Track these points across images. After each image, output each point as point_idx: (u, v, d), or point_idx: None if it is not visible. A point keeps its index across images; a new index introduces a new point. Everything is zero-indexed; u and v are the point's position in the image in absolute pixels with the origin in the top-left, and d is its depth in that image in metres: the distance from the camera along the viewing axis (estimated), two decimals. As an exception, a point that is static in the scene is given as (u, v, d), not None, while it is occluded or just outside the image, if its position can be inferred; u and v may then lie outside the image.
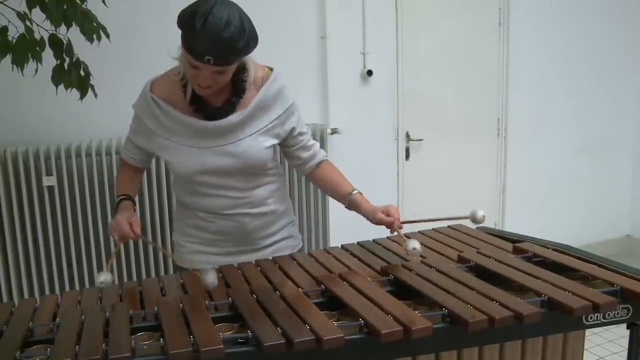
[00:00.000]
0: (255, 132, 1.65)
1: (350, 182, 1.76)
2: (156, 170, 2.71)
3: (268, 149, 1.68)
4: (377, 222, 1.63)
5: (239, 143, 1.63)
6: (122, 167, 1.80)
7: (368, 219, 1.66)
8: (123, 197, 1.69)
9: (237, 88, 1.61)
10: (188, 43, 1.45)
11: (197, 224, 1.75)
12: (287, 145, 1.75)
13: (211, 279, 1.38)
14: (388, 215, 1.61)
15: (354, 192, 1.71)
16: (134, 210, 1.69)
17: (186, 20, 1.44)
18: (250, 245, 1.76)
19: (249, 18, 1.49)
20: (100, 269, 2.64)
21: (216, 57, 1.44)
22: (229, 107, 1.62)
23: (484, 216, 1.43)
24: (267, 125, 1.66)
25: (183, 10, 1.47)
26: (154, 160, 2.35)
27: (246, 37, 1.46)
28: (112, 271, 1.50)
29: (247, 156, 1.64)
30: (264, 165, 1.70)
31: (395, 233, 1.62)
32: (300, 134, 1.74)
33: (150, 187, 2.70)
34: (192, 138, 1.63)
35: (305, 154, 1.76)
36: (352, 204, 1.71)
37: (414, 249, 1.48)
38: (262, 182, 1.73)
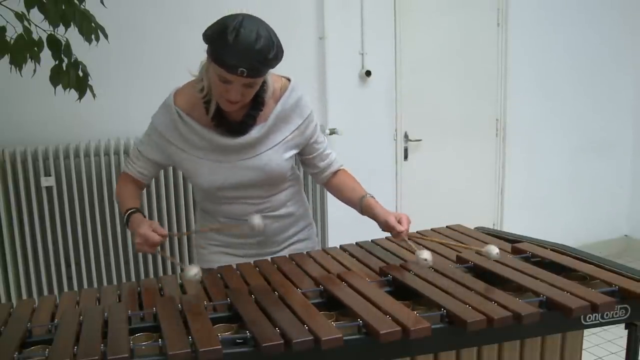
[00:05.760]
0: (276, 145, 1.65)
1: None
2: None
3: (288, 160, 1.69)
4: (387, 225, 1.60)
5: (260, 157, 1.64)
6: (125, 183, 1.72)
7: (379, 221, 1.63)
8: (132, 210, 1.61)
9: (256, 102, 1.61)
10: (220, 57, 1.45)
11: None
12: (304, 154, 1.75)
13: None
14: (399, 222, 1.58)
15: (367, 196, 1.69)
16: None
17: (216, 35, 1.44)
18: (269, 247, 1.77)
19: (274, 31, 1.51)
20: (98, 269, 2.64)
21: (249, 69, 1.45)
22: (249, 122, 1.61)
23: (498, 254, 1.47)
24: (287, 137, 1.67)
25: (209, 27, 1.48)
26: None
27: (275, 49, 1.48)
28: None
29: (268, 169, 1.65)
30: (284, 175, 1.70)
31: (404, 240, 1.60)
32: (317, 142, 1.74)
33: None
34: (214, 153, 1.63)
35: (321, 163, 1.77)
36: (364, 209, 1.68)
37: (425, 260, 1.45)
38: (281, 187, 1.74)
